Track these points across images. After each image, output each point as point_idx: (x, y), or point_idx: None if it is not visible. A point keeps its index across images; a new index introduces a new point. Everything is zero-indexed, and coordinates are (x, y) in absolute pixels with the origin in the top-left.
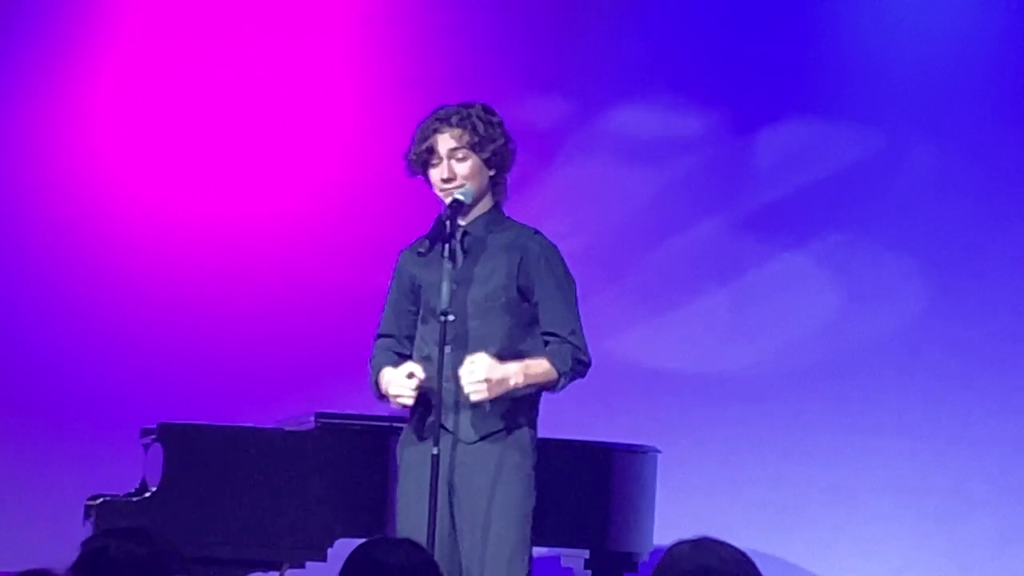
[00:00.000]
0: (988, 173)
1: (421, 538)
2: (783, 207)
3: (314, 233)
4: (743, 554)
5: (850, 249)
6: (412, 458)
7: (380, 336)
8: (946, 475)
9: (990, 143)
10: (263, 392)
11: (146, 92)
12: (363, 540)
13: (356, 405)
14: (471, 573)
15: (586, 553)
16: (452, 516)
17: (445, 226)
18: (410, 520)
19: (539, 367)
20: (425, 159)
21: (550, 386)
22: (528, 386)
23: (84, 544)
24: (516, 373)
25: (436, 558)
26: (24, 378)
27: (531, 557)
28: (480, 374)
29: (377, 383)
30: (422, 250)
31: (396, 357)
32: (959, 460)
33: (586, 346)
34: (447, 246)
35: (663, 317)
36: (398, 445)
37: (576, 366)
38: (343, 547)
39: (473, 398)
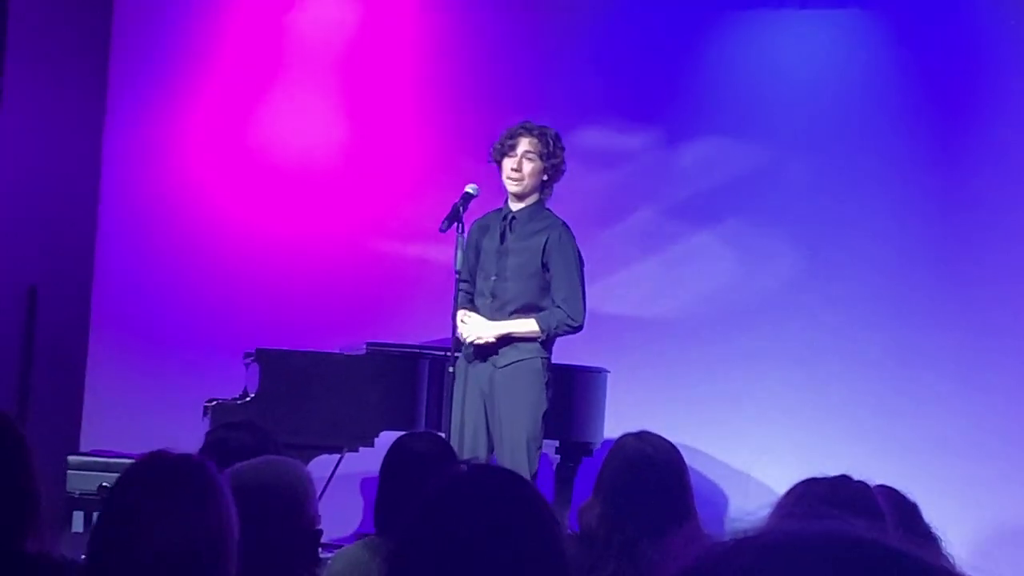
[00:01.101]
0: (843, 176)
1: (464, 430)
2: (697, 200)
3: (374, 209)
4: (671, 444)
5: (744, 230)
6: (460, 375)
7: (459, 280)
8: (815, 392)
9: (846, 154)
10: (331, 325)
11: (247, 76)
12: (400, 433)
13: (397, 336)
14: (500, 455)
15: (557, 443)
16: (486, 416)
17: (459, 211)
18: (457, 417)
19: (526, 324)
20: (505, 151)
21: (537, 336)
22: (518, 334)
23: (208, 435)
24: (501, 326)
25: (468, 444)
26: (162, 315)
27: (541, 445)
28: (473, 324)
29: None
30: (442, 228)
31: (467, 296)
32: (827, 381)
33: (579, 312)
34: (460, 224)
35: (612, 278)
36: (455, 367)
37: (561, 326)
38: (386, 437)
39: (470, 339)
